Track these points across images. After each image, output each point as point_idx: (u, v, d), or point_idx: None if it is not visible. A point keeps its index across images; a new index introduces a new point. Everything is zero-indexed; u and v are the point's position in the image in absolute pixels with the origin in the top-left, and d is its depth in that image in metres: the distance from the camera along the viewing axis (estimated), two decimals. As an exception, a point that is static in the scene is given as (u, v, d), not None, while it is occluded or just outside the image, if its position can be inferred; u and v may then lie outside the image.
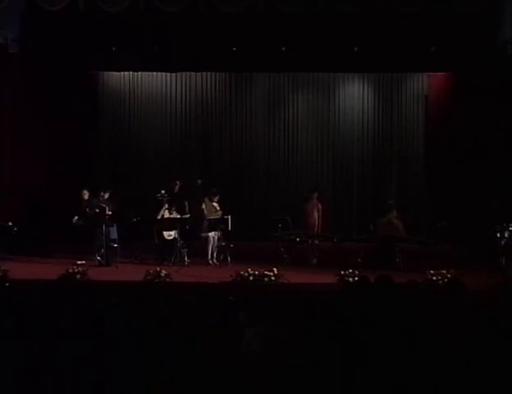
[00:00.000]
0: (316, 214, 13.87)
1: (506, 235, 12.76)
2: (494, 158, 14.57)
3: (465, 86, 15.24)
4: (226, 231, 13.24)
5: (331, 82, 16.94)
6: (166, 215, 13.36)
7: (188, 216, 13.43)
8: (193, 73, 16.67)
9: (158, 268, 11.26)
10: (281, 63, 14.62)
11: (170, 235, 13.14)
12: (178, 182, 14.01)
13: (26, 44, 14.11)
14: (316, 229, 13.81)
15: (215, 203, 13.47)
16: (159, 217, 13.27)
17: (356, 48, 14.08)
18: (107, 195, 13.27)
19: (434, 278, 10.58)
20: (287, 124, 17.08)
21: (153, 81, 16.93)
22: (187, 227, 13.23)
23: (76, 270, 10.97)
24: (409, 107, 16.95)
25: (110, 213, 12.90)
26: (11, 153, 14.44)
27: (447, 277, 10.53)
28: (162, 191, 13.75)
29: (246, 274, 11.01)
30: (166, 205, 13.34)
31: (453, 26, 13.62)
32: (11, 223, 13.63)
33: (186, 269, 12.52)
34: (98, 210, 12.96)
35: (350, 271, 10.85)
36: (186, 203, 13.74)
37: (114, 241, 13.07)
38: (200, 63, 14.85)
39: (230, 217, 13.19)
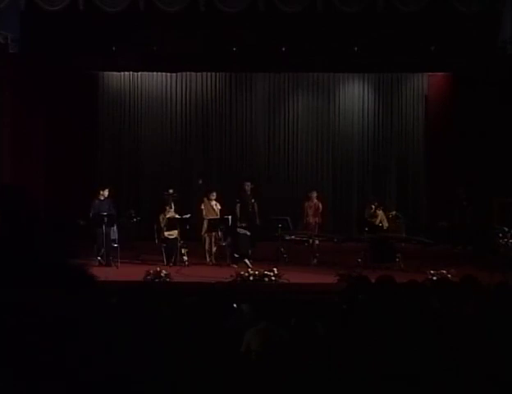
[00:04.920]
0: (316, 214, 13.89)
1: (506, 234, 12.77)
2: (494, 158, 14.57)
3: (465, 86, 15.25)
4: (226, 231, 13.23)
5: (331, 82, 16.94)
6: (171, 215, 13.34)
7: (188, 216, 13.42)
8: (193, 73, 16.67)
9: (158, 268, 11.28)
10: (282, 63, 14.62)
11: (171, 234, 13.13)
12: (171, 191, 13.95)
13: (26, 44, 14.10)
14: (316, 229, 13.82)
15: (213, 202, 13.46)
16: (168, 215, 13.22)
17: (356, 48, 14.08)
18: (106, 193, 13.24)
19: (434, 278, 10.57)
20: (287, 124, 17.08)
21: (153, 81, 16.93)
22: (187, 227, 13.22)
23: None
24: (409, 107, 16.95)
25: (106, 213, 12.88)
26: (11, 153, 14.43)
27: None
28: (170, 190, 13.76)
29: (246, 274, 11.02)
30: (173, 207, 13.30)
31: (453, 26, 13.62)
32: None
33: (186, 269, 12.53)
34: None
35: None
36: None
37: (114, 241, 13.07)
38: (200, 63, 14.86)
39: (230, 217, 13.19)
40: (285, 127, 17.09)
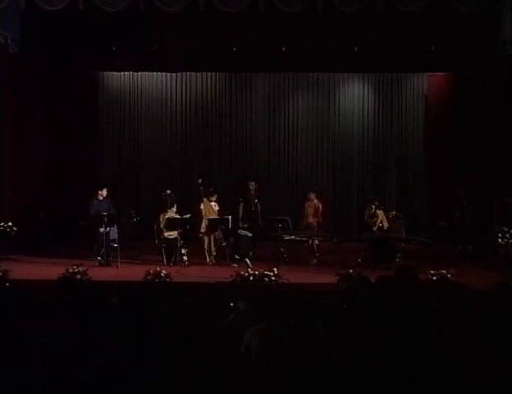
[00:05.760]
0: (316, 214, 13.89)
1: (506, 235, 12.78)
2: (494, 158, 14.56)
3: (465, 86, 15.24)
4: (226, 231, 13.22)
5: (331, 82, 16.94)
6: (170, 215, 13.32)
7: (189, 216, 13.40)
8: (193, 73, 16.68)
9: (158, 268, 11.27)
10: (282, 63, 14.62)
11: (171, 234, 13.12)
12: (168, 191, 13.96)
13: (26, 44, 14.11)
14: (315, 229, 13.82)
15: (213, 203, 13.46)
16: (167, 216, 13.21)
17: (356, 48, 14.08)
18: (104, 192, 13.25)
19: (434, 278, 10.57)
20: (287, 124, 17.08)
21: (153, 81, 16.93)
22: (187, 227, 13.21)
23: (76, 270, 10.98)
24: (409, 107, 16.95)
25: (105, 213, 12.86)
26: (11, 153, 14.43)
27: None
28: (168, 191, 13.74)
29: (246, 274, 11.02)
30: (175, 208, 13.30)
31: (453, 26, 13.62)
32: (11, 223, 13.65)
33: (186, 269, 12.53)
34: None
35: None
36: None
37: (114, 241, 13.06)
38: (200, 63, 14.85)
39: (230, 217, 13.18)
40: (285, 127, 17.09)
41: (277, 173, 17.02)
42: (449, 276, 10.45)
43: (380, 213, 13.64)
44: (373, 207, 13.65)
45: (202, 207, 13.41)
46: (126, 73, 16.64)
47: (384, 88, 16.92)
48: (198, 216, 13.48)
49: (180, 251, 12.92)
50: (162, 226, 13.24)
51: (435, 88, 16.61)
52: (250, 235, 13.12)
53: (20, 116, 14.48)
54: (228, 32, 13.93)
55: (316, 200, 14.01)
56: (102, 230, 12.73)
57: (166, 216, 13.22)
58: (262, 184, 15.23)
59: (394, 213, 14.21)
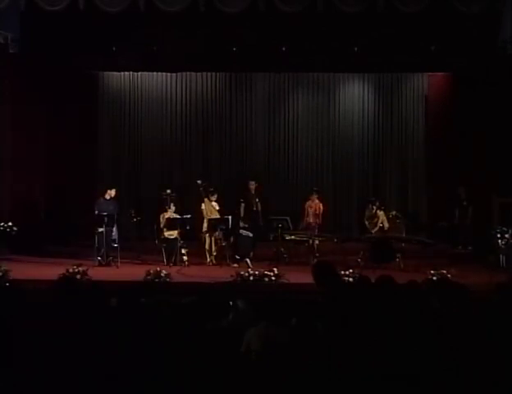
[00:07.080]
0: (316, 214, 13.89)
1: (506, 235, 12.78)
2: (494, 158, 14.57)
3: (465, 86, 15.25)
4: (226, 231, 13.22)
5: (331, 82, 16.95)
6: (170, 215, 13.32)
7: (189, 216, 13.39)
8: (193, 73, 16.68)
9: (158, 268, 11.27)
10: (282, 63, 14.63)
11: (171, 234, 13.13)
12: (169, 191, 13.98)
13: (26, 44, 14.12)
14: (316, 229, 13.83)
15: (214, 203, 13.46)
16: (167, 216, 13.22)
17: (356, 48, 14.08)
18: (113, 193, 13.29)
19: (434, 278, 10.57)
20: (287, 124, 17.08)
21: (153, 81, 16.93)
22: (187, 228, 13.21)
23: (76, 270, 10.98)
24: (409, 107, 16.95)
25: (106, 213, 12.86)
26: (11, 153, 14.44)
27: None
28: (168, 191, 13.75)
29: (246, 274, 11.02)
30: (173, 207, 13.32)
31: (453, 26, 13.63)
32: (11, 223, 13.65)
33: (186, 269, 12.53)
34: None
35: (350, 271, 10.84)
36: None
37: (114, 241, 13.07)
38: (200, 63, 14.86)
39: (230, 217, 13.18)
40: (285, 127, 17.09)
41: (277, 173, 17.01)
42: (449, 276, 10.44)
43: (380, 213, 13.64)
44: (374, 207, 13.65)
45: (203, 207, 13.41)
46: (126, 73, 16.64)
47: (384, 88, 16.93)
48: (199, 216, 13.47)
49: (180, 251, 12.93)
50: (162, 226, 13.24)
51: (435, 88, 16.61)
52: (251, 235, 13.12)
53: (20, 116, 14.48)
54: (228, 32, 13.95)
55: (317, 201, 14.04)
56: (101, 229, 12.74)
57: (166, 216, 13.22)
58: (262, 184, 15.23)
59: (394, 213, 14.18)
